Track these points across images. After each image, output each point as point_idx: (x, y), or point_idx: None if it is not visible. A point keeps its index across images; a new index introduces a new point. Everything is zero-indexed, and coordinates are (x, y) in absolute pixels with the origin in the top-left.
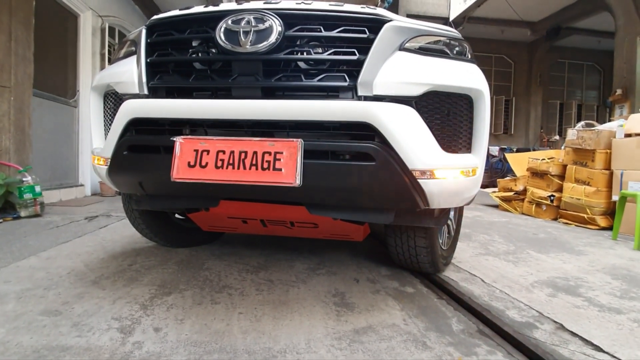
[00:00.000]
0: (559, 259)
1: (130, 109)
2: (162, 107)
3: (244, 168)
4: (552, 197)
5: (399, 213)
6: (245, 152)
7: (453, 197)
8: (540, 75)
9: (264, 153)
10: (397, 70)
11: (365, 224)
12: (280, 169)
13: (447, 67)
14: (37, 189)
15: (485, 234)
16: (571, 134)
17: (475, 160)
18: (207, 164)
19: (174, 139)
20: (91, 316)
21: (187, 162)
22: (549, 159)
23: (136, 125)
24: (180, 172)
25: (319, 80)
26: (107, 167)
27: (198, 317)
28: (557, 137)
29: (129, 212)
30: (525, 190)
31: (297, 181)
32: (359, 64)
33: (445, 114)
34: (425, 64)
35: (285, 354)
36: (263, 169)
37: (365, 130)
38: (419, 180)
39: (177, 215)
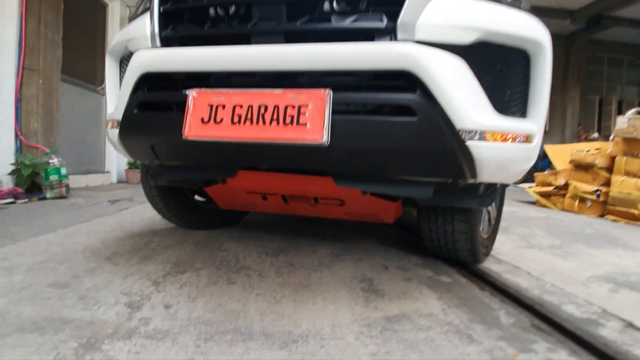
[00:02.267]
0: (614, 254)
1: (140, 62)
2: (174, 58)
3: (264, 123)
4: (598, 192)
5: (439, 188)
6: (265, 106)
7: (504, 168)
8: (577, 70)
9: (286, 107)
10: (445, 10)
11: (398, 202)
12: (305, 124)
13: (500, 13)
14: (63, 171)
15: (524, 227)
16: (621, 122)
17: (532, 126)
18: (222, 119)
19: (187, 93)
20: (100, 290)
21: (200, 118)
22: (595, 150)
23: (148, 81)
24: (192, 129)
25: (351, 22)
26: (118, 130)
27: (212, 296)
28: (596, 135)
29: (148, 191)
30: (566, 185)
31: (324, 138)
32: (400, 2)
33: (498, 70)
34: (476, 7)
35: (307, 339)
36: (285, 124)
37: (405, 81)
38: (467, 143)
39: (196, 197)
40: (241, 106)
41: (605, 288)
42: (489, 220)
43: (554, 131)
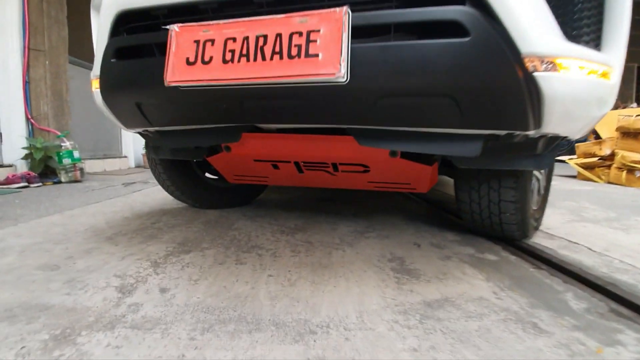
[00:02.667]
0: None
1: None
2: None
3: (263, 59)
4: None
5: (488, 144)
6: (265, 36)
7: (577, 113)
8: None
9: (291, 34)
10: None
11: (434, 165)
12: (317, 55)
13: None
14: (76, 154)
15: (570, 200)
16: None
17: (609, 58)
18: (211, 58)
19: (168, 28)
20: (92, 272)
21: (185, 58)
22: None
23: (125, 22)
24: (176, 73)
25: None
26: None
27: (217, 278)
28: (634, 105)
29: (153, 168)
30: (612, 155)
31: (342, 71)
32: None
33: None
34: None
35: (328, 329)
36: (291, 57)
37: None
38: (535, 75)
39: (208, 175)
40: (234, 39)
41: None
42: (538, 189)
43: None
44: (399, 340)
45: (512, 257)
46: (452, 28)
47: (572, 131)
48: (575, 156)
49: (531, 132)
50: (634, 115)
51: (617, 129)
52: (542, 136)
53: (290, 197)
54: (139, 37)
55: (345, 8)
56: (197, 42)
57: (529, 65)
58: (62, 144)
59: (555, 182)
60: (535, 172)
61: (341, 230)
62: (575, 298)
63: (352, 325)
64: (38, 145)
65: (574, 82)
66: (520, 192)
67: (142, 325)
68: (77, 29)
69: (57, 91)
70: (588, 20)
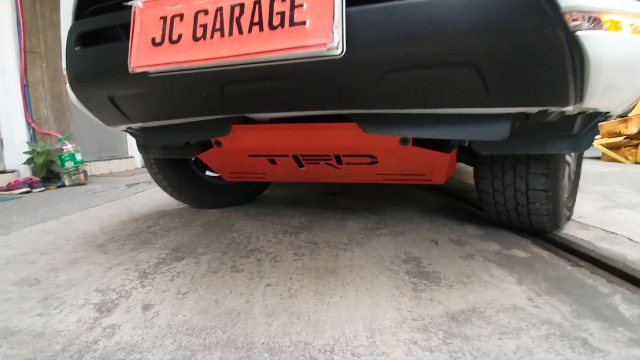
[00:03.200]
0: None
1: None
2: None
3: (240, 32)
4: None
5: (516, 124)
6: (241, 5)
7: (626, 81)
8: None
9: (272, 0)
10: None
11: (453, 152)
12: (304, 22)
13: None
14: (78, 156)
15: (600, 184)
16: None
17: None
18: (180, 36)
19: (130, 4)
20: (72, 287)
21: (150, 38)
22: None
23: (89, 3)
24: (140, 56)
25: None
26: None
27: (208, 290)
28: None
29: (149, 167)
30: None
31: (335, 41)
32: None
33: None
34: None
35: (332, 356)
36: (273, 27)
37: None
38: (578, 34)
39: (208, 173)
40: (206, 12)
41: None
42: (569, 174)
43: None
44: None
45: (545, 253)
46: None
47: (615, 105)
48: (598, 136)
49: (569, 108)
50: None
51: None
52: (580, 112)
53: (296, 192)
54: (100, 19)
55: None
56: (164, 18)
57: (571, 22)
58: (64, 147)
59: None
60: (566, 156)
61: (350, 227)
62: (625, 302)
63: (361, 349)
64: (39, 150)
65: (625, 43)
66: (552, 179)
67: (113, 353)
68: None
69: (56, 94)
70: None
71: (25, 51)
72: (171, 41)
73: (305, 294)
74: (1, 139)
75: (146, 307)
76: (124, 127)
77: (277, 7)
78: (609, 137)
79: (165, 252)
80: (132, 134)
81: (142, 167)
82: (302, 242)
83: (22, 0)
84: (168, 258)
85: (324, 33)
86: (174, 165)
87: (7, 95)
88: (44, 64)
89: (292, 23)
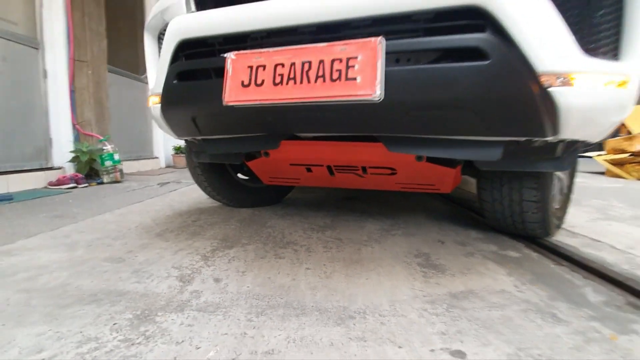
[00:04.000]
0: None
1: (177, 29)
2: (210, 20)
3: (308, 82)
4: None
5: (509, 149)
6: (309, 62)
7: (592, 121)
8: None
9: (332, 60)
10: None
11: (458, 168)
12: (355, 78)
13: None
14: (116, 156)
15: (597, 198)
16: None
17: (627, 68)
18: (263, 81)
19: (225, 56)
20: (152, 264)
21: (240, 81)
22: None
23: (185, 49)
24: (232, 94)
25: None
26: (159, 104)
27: (261, 270)
28: None
29: (192, 170)
30: None
31: (377, 92)
32: None
33: (585, 1)
34: None
35: (365, 315)
36: (333, 80)
37: (472, 19)
38: (550, 90)
39: (240, 175)
40: (283, 65)
41: None
42: (561, 188)
43: None
44: (429, 326)
45: (534, 254)
46: (474, 52)
47: (591, 136)
48: (603, 152)
49: (549, 138)
50: None
51: None
52: (560, 141)
53: (316, 196)
54: (200, 62)
55: (380, 38)
56: (251, 67)
57: (545, 81)
58: (104, 148)
59: (584, 180)
60: (558, 172)
61: (368, 228)
62: (594, 292)
63: (385, 312)
64: (84, 149)
65: (588, 94)
66: (542, 192)
67: (205, 308)
68: (114, 41)
69: (98, 98)
70: (606, 33)
71: (74, 59)
72: (256, 84)
73: (338, 276)
74: (51, 139)
75: (217, 280)
76: (189, 138)
77: (336, 65)
78: (614, 154)
79: (215, 241)
80: (189, 142)
81: (166, 167)
82: (328, 238)
83: (73, 14)
84: (220, 246)
85: (370, 87)
86: (215, 170)
87: (57, 99)
88: (90, 72)
89: (347, 78)
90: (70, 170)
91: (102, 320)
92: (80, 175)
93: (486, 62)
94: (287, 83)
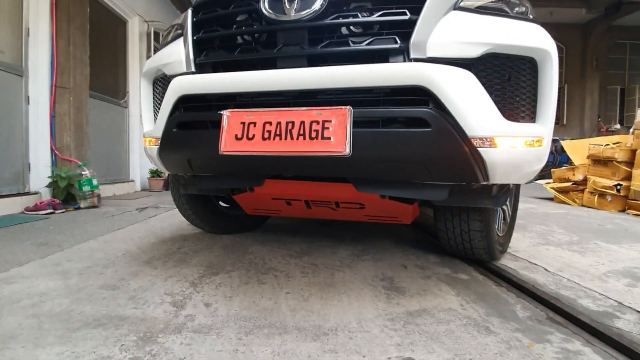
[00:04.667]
0: (635, 249)
1: (178, 86)
2: (209, 82)
3: (292, 138)
4: (618, 186)
5: (454, 190)
6: (292, 122)
7: (516, 170)
8: (596, 59)
9: (311, 122)
10: (453, 29)
11: (415, 204)
12: (329, 138)
13: (507, 26)
14: (94, 181)
15: (541, 224)
16: None
17: (541, 130)
18: (254, 136)
19: (222, 113)
20: (145, 291)
21: (234, 134)
22: (614, 144)
23: (184, 102)
24: (227, 145)
25: (367, 44)
26: (157, 146)
27: (246, 295)
28: (618, 126)
29: (177, 199)
30: (585, 180)
31: (347, 150)
32: (411, 24)
33: (506, 79)
34: (483, 23)
35: (336, 332)
36: (311, 138)
37: (419, 95)
38: (479, 149)
39: (221, 203)
40: (270, 123)
41: (623, 282)
42: (504, 218)
43: (572, 124)
44: (388, 339)
45: (481, 277)
46: (420, 121)
47: (517, 180)
48: (551, 180)
49: (483, 183)
50: (604, 145)
51: (589, 157)
52: (494, 184)
53: (293, 222)
54: (198, 115)
55: (349, 107)
56: (243, 123)
57: (474, 143)
58: (83, 173)
59: (533, 205)
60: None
61: (341, 253)
62: (522, 309)
63: (354, 328)
64: (63, 175)
65: (509, 151)
66: (485, 223)
67: (200, 329)
68: (95, 66)
69: (78, 124)
70: (525, 103)
71: (56, 86)
72: (248, 138)
73: (314, 299)
74: (29, 164)
75: (207, 305)
76: (181, 173)
77: (314, 126)
78: (560, 182)
79: (202, 268)
80: (179, 176)
81: (142, 190)
82: (305, 263)
83: (58, 43)
84: (206, 273)
85: (341, 145)
86: (199, 199)
87: (37, 124)
88: (71, 98)
89: (322, 137)
90: (46, 195)
91: (110, 341)
92: (57, 201)
93: (429, 129)
94: (274, 139)
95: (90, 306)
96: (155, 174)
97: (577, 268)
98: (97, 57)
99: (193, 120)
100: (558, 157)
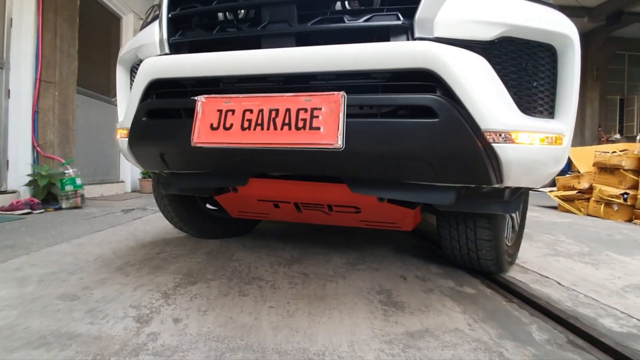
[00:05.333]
0: None
1: (149, 69)
2: (182, 64)
3: (275, 128)
4: (625, 195)
5: (461, 193)
6: (277, 110)
7: (532, 172)
8: (596, 69)
9: (298, 110)
10: (465, 5)
11: (417, 209)
12: (319, 128)
13: (525, 6)
14: (78, 181)
15: (548, 234)
16: None
17: (561, 126)
18: (232, 125)
19: (195, 99)
20: (109, 302)
21: (209, 124)
22: (621, 151)
23: (156, 88)
24: (201, 135)
25: (365, 21)
26: (127, 138)
27: (223, 309)
28: (617, 136)
29: (159, 200)
30: (591, 188)
31: (339, 142)
32: None
33: (523, 67)
34: (499, 1)
35: (323, 357)
36: (298, 128)
37: (424, 80)
38: (493, 145)
39: (208, 205)
40: (251, 111)
41: None
42: (513, 226)
43: (574, 133)
44: None
45: (488, 291)
46: (426, 110)
47: (532, 184)
48: (555, 188)
49: (496, 185)
50: (610, 152)
51: (594, 164)
52: (506, 187)
53: (285, 227)
54: (170, 102)
55: (342, 92)
56: (220, 111)
57: (488, 138)
58: (66, 172)
59: (537, 214)
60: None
61: (334, 261)
62: (538, 330)
63: (344, 353)
64: (43, 173)
65: (527, 149)
66: (494, 232)
67: (162, 352)
68: (86, 61)
69: (64, 120)
70: (542, 94)
71: (40, 80)
72: (225, 128)
73: (301, 314)
74: (7, 161)
75: (176, 321)
76: (156, 171)
77: (301, 115)
78: (564, 190)
79: (179, 276)
80: (158, 174)
81: (132, 191)
82: (294, 273)
83: (43, 35)
84: (183, 282)
85: (332, 136)
86: (183, 200)
87: (18, 120)
88: (57, 93)
89: (311, 128)
90: (25, 194)
91: None
92: (36, 200)
93: (436, 120)
94: (254, 129)
95: (40, 320)
96: (146, 174)
97: (592, 282)
98: (88, 52)
99: (165, 107)
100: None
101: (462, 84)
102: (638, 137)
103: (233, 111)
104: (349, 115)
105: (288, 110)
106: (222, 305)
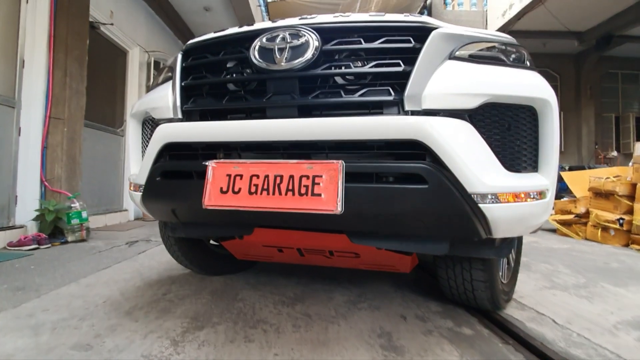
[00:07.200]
0: None
1: (163, 134)
2: (195, 130)
3: (280, 194)
4: (621, 220)
5: (455, 242)
6: (281, 176)
7: (519, 224)
8: (590, 88)
9: (301, 177)
10: (449, 80)
11: (414, 254)
12: (320, 194)
13: (504, 75)
14: (84, 214)
15: (546, 263)
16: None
17: (544, 180)
18: (240, 189)
19: (206, 164)
20: (121, 352)
21: (219, 187)
22: (614, 177)
23: (170, 150)
24: (212, 199)
25: (360, 96)
26: (141, 193)
27: (230, 357)
28: (615, 153)
29: (165, 239)
30: (587, 213)
31: (339, 208)
32: (405, 75)
33: (506, 128)
34: (479, 73)
35: None
36: (300, 194)
37: (415, 149)
38: (480, 206)
39: (212, 242)
40: (257, 176)
41: (634, 336)
42: (508, 262)
43: (570, 151)
44: None
45: (485, 331)
46: (416, 177)
47: (520, 233)
48: (553, 212)
49: (485, 237)
50: (604, 178)
51: (589, 190)
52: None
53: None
54: (182, 164)
55: (341, 161)
56: (229, 175)
57: (475, 199)
58: (72, 205)
59: (537, 239)
60: None
61: (337, 299)
62: None
63: None
64: (50, 208)
65: (513, 207)
66: (489, 273)
67: None
68: (92, 94)
69: (71, 155)
70: (526, 152)
71: (50, 117)
72: (233, 192)
73: None
74: (16, 196)
75: None
76: (167, 220)
77: (304, 181)
78: (562, 214)
79: (186, 320)
80: (167, 221)
81: (135, 219)
82: (298, 313)
83: (54, 73)
84: (190, 327)
85: (332, 203)
86: (189, 241)
87: (28, 156)
88: (65, 129)
89: (312, 194)
90: (32, 228)
91: None
92: (43, 235)
93: (425, 186)
94: (261, 193)
95: None
96: None
97: (586, 319)
98: (95, 86)
99: (177, 169)
100: (559, 185)
101: (449, 152)
102: (631, 163)
103: (241, 176)
104: (347, 180)
105: (292, 177)
106: (230, 353)
